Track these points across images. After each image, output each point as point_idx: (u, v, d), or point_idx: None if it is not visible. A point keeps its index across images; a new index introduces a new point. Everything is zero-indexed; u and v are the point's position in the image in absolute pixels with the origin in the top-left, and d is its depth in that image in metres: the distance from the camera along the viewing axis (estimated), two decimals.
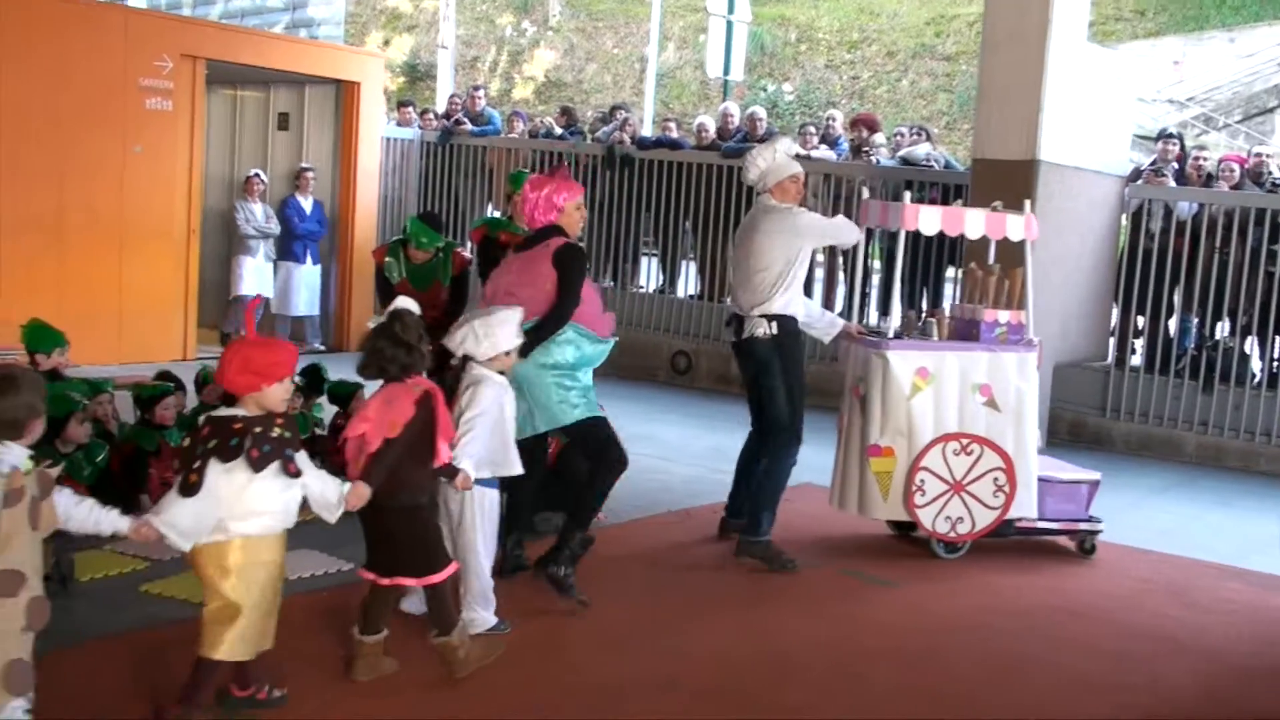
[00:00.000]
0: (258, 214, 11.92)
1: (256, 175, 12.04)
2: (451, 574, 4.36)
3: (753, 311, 6.12)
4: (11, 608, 3.15)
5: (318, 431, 7.07)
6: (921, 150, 11.22)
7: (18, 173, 9.77)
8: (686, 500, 7.05)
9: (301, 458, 3.79)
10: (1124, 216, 10.26)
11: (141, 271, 10.67)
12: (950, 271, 10.91)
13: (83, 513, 3.42)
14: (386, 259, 7.11)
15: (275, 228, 12.02)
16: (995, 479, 6.29)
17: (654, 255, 12.87)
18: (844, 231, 6.38)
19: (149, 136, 10.66)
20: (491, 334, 4.63)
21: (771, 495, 6.18)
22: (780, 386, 6.16)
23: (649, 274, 13.02)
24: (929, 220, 6.41)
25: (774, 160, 6.24)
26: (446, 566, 4.32)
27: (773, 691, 4.54)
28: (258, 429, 3.67)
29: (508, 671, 4.40)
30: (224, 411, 3.75)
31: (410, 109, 14.66)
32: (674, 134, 12.83)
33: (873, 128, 11.93)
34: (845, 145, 11.95)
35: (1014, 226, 6.48)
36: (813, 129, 12.09)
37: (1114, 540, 6.76)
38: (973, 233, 6.45)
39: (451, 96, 15.48)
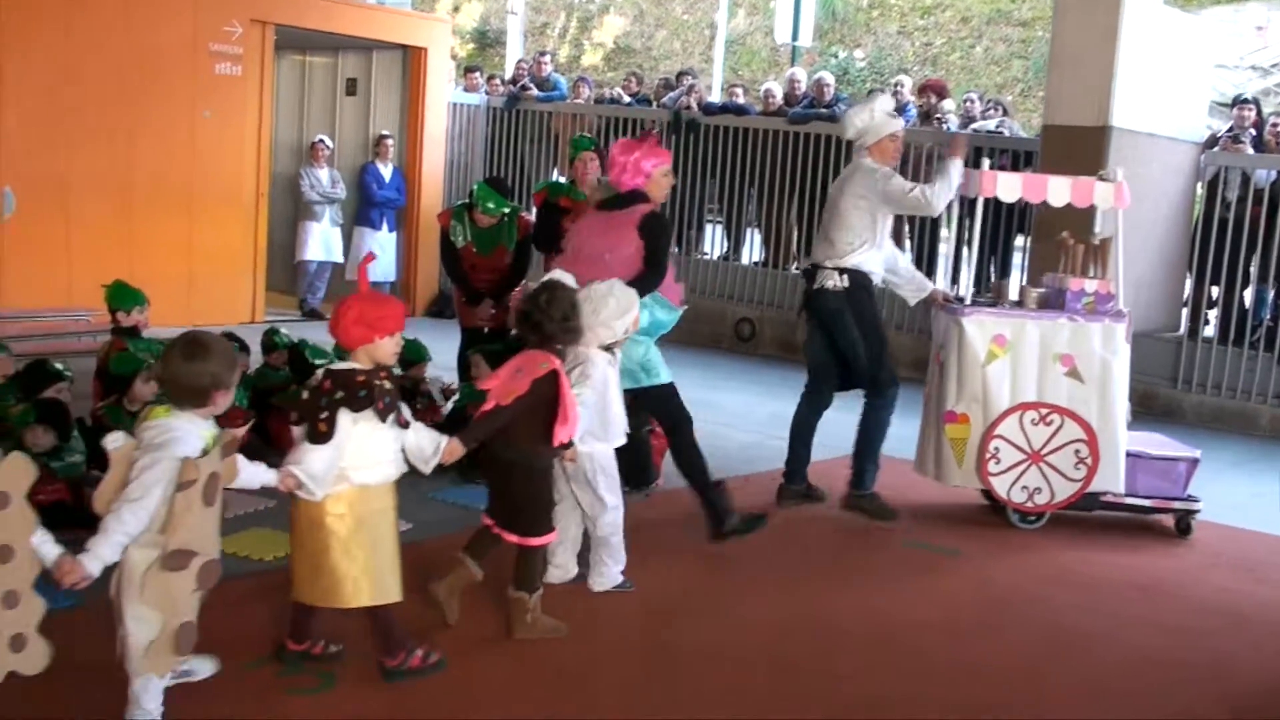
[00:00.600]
0: (323, 179, 12.01)
1: (321, 141, 12.13)
2: (547, 543, 4.49)
3: (826, 263, 6.18)
4: (180, 580, 3.28)
5: None
6: (991, 124, 11.06)
7: (90, 137, 9.92)
8: (744, 467, 7.02)
9: (406, 410, 3.90)
10: (1199, 184, 10.04)
11: (211, 235, 10.81)
12: (1019, 240, 10.74)
13: (247, 471, 3.55)
14: (452, 223, 7.15)
15: (341, 193, 12.11)
16: (1077, 451, 6.17)
17: (719, 222, 12.81)
18: (931, 204, 6.17)
19: (218, 101, 10.77)
20: (609, 323, 4.72)
21: (871, 448, 6.24)
22: (857, 340, 6.18)
23: (713, 241, 12.96)
24: (1008, 187, 6.29)
25: (872, 119, 6.18)
26: (545, 534, 4.45)
27: (820, 660, 4.51)
28: (376, 381, 3.79)
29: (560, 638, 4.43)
30: (341, 365, 3.87)
31: (477, 74, 14.67)
32: (740, 100, 12.73)
33: (941, 94, 11.76)
34: (913, 111, 11.78)
35: (1103, 194, 6.31)
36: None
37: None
38: (1056, 200, 6.31)
39: (518, 62, 15.48)
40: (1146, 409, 9.63)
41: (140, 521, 3.21)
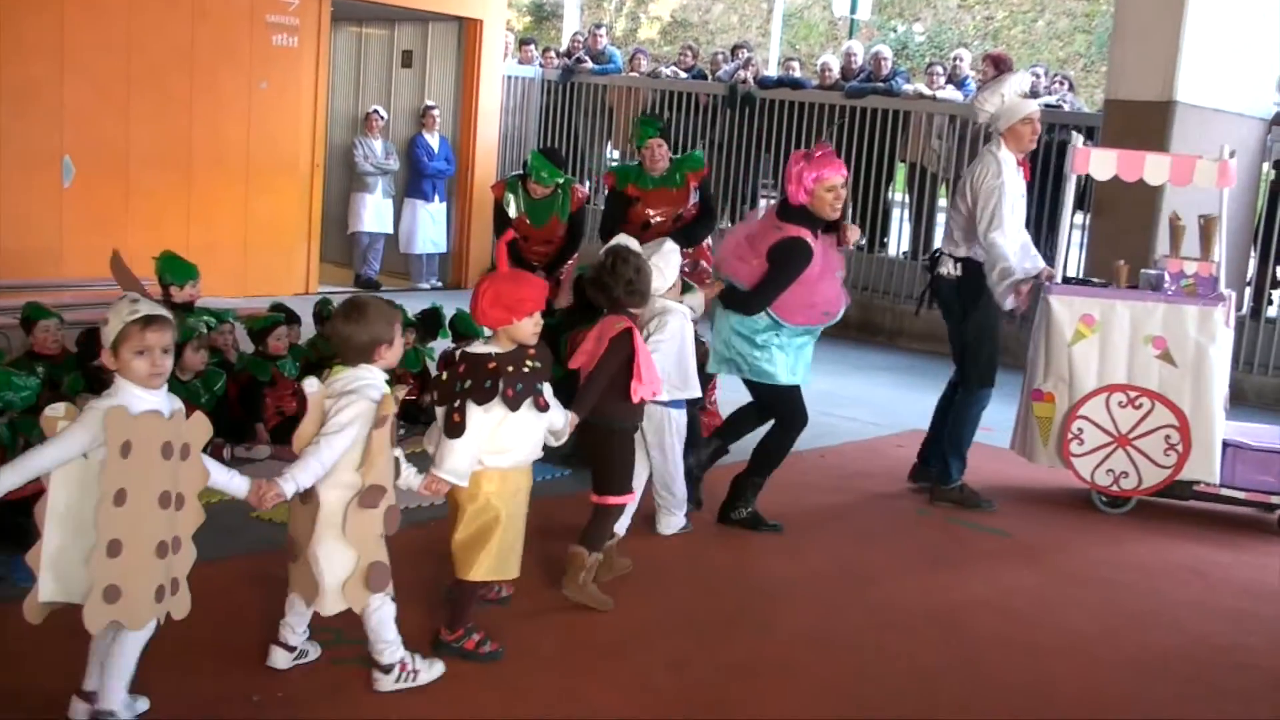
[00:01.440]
0: (377, 150, 12.05)
1: (376, 112, 12.15)
2: (622, 503, 4.60)
3: (945, 251, 6.18)
4: (373, 517, 3.52)
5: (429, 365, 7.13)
6: (1054, 99, 10.89)
7: (149, 107, 10.00)
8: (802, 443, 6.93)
9: (548, 390, 3.94)
10: (1265, 163, 9.82)
11: (266, 206, 10.88)
12: (1078, 218, 10.56)
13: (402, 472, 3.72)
14: (505, 194, 7.13)
15: (394, 164, 12.15)
16: (1167, 436, 6.02)
17: (773, 197, 12.71)
18: (991, 251, 5.88)
19: (275, 73, 10.82)
20: (663, 270, 4.88)
21: (955, 441, 6.20)
22: (965, 331, 6.14)
23: None
24: (1102, 164, 6.15)
25: (1003, 103, 6.01)
26: (622, 495, 4.56)
27: (868, 635, 4.49)
28: (510, 367, 3.81)
29: (620, 601, 4.44)
30: (478, 348, 3.90)
31: (531, 47, 14.64)
32: (796, 74, 12.62)
33: (1002, 67, 11.54)
34: (972, 85, 11.60)
35: (1205, 173, 6.07)
36: (939, 69, 11.79)
37: None
38: (1154, 178, 6.17)
39: (574, 35, 15.44)
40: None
41: (335, 454, 3.46)
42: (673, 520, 5.31)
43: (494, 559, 3.90)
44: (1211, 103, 8.98)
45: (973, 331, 6.13)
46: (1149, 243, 8.47)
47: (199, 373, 6.00)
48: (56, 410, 3.17)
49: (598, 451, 4.52)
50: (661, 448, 5.11)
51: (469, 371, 3.81)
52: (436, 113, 12.25)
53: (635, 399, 4.42)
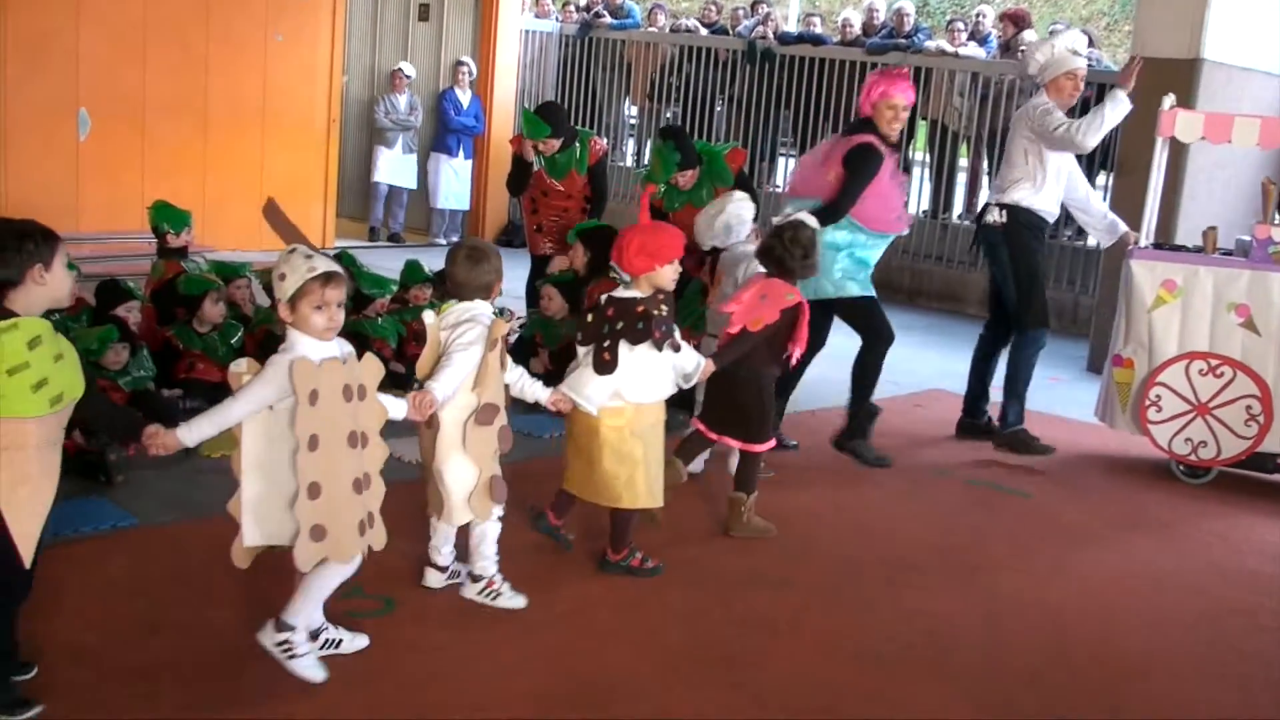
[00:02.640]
0: (400, 105, 11.98)
1: (401, 69, 12.07)
2: (767, 449, 4.90)
3: (991, 198, 6.25)
4: (488, 433, 3.84)
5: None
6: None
7: (165, 59, 9.95)
8: (806, 401, 6.90)
9: (677, 333, 4.28)
10: None
11: (283, 160, 10.83)
12: (1101, 179, 10.45)
13: (529, 387, 4.09)
14: (524, 146, 7.07)
15: (416, 120, 12.08)
16: (1248, 407, 5.92)
17: (792, 155, 12.62)
18: (1078, 140, 5.99)
19: (291, 25, 10.74)
20: (738, 224, 5.34)
21: (1013, 386, 6.27)
22: (1009, 277, 6.19)
23: (786, 173, 12.78)
24: (1188, 126, 6.07)
25: (1052, 55, 6.13)
26: (766, 442, 4.87)
27: (884, 592, 4.48)
28: (656, 310, 4.16)
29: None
30: (623, 293, 4.22)
31: (549, 1, 14.52)
32: (817, 29, 12.49)
33: (1021, 24, 11.43)
34: (994, 43, 11.48)
35: None
36: (961, 25, 11.64)
37: None
38: (1242, 141, 6.11)
39: None
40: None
41: (465, 369, 3.75)
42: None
43: (643, 487, 4.23)
44: (1240, 61, 8.83)
45: (1024, 275, 6.16)
46: (1174, 202, 8.36)
47: (216, 325, 5.99)
48: (240, 366, 3.34)
49: (747, 401, 4.78)
50: None
51: (619, 314, 4.16)
52: (465, 69, 12.14)
53: (793, 362, 4.86)
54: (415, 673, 3.56)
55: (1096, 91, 10.25)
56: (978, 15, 12.16)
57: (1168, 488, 6.08)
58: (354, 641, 3.67)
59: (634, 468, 4.21)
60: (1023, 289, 6.19)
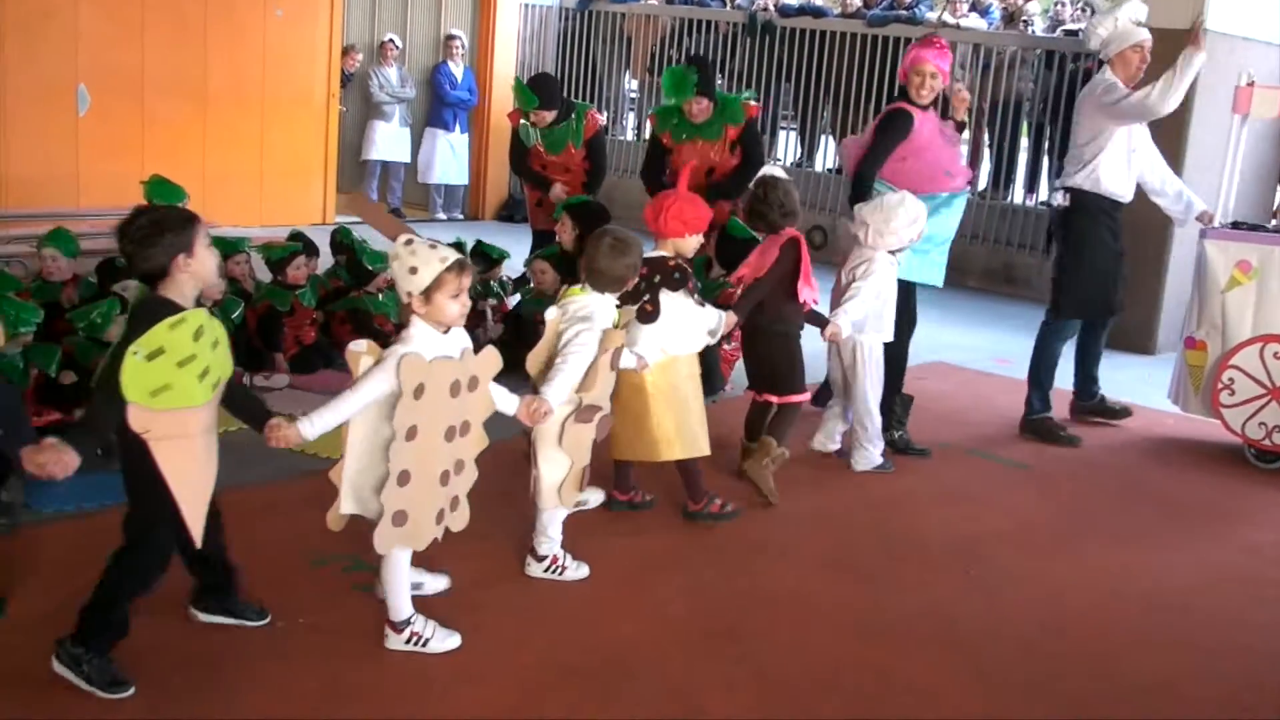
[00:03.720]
0: (392, 79, 11.94)
1: (391, 40, 12.03)
2: (800, 401, 5.11)
3: (1058, 180, 6.20)
4: (586, 430, 3.97)
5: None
6: (1081, 25, 10.69)
7: (164, 34, 9.91)
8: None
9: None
10: None
11: (282, 135, 10.81)
12: None
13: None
14: (521, 122, 7.04)
15: (410, 93, 12.04)
16: None
17: (792, 129, 12.59)
18: (1154, 105, 5.87)
19: (291, 1, 10.70)
20: (898, 231, 5.22)
21: (1035, 373, 6.24)
22: (1066, 259, 6.12)
23: (787, 147, 12.75)
24: (1267, 103, 5.99)
25: (1115, 28, 6.01)
26: (800, 393, 5.08)
27: (885, 565, 4.49)
28: (687, 265, 4.49)
29: (641, 531, 4.43)
30: (654, 253, 4.47)
31: None
32: (818, 2, 12.43)
33: None
34: (996, 14, 11.43)
35: None
36: None
37: None
38: None
39: None
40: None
41: (579, 371, 3.86)
42: (868, 455, 5.45)
43: (687, 437, 4.46)
44: (1242, 31, 8.80)
45: (1071, 260, 6.10)
46: (1177, 171, 8.32)
47: (216, 301, 5.99)
48: (360, 346, 3.39)
49: (774, 355, 5.02)
50: (856, 375, 5.37)
51: (653, 270, 4.39)
52: (458, 42, 12.10)
53: (801, 299, 4.95)
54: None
55: (1098, 63, 10.22)
56: None
57: (1164, 458, 6.09)
58: (578, 571, 4.13)
59: (680, 418, 4.44)
60: (1067, 274, 6.12)
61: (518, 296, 7.19)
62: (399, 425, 3.30)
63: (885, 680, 3.63)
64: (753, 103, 6.53)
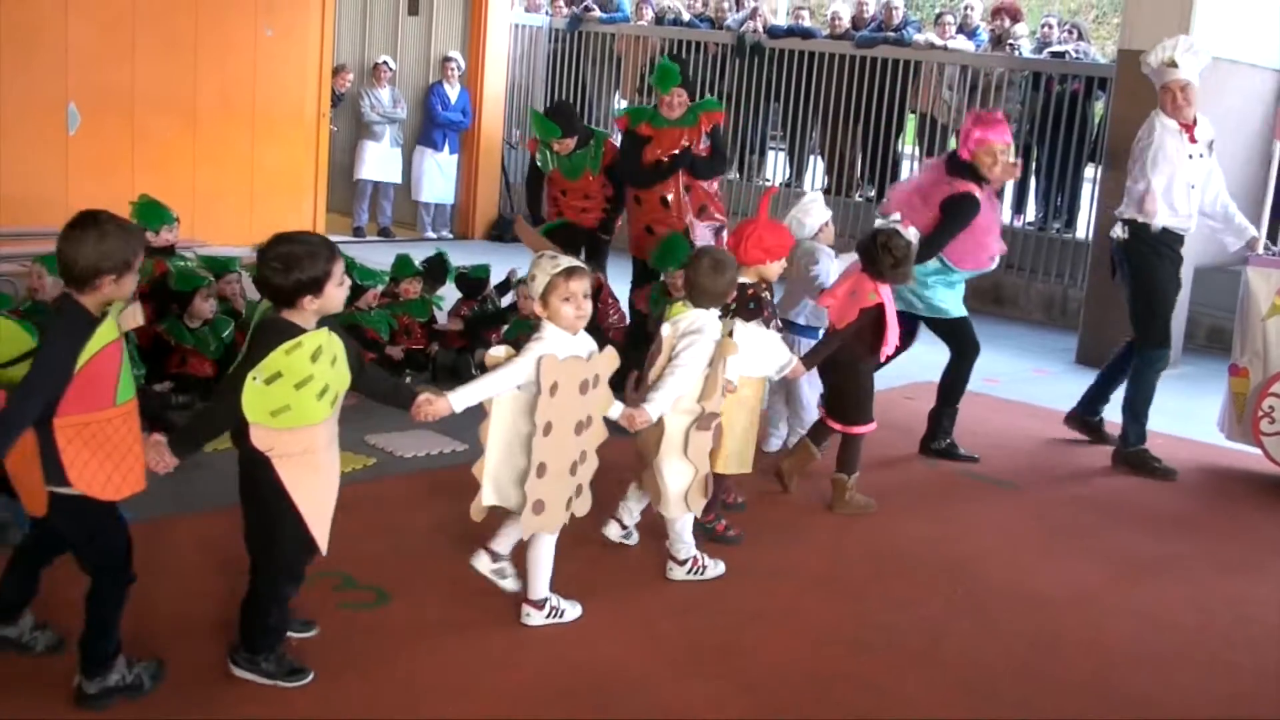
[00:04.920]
0: (384, 99, 11.97)
1: (385, 63, 12.06)
2: (864, 433, 5.21)
3: (1116, 211, 6.22)
4: (707, 438, 4.19)
5: (436, 316, 7.12)
6: (1069, 47, 10.76)
7: (155, 52, 9.90)
8: None
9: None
10: None
11: (272, 154, 10.80)
12: (1089, 171, 10.49)
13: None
14: (539, 148, 7.07)
15: (402, 114, 12.07)
16: None
17: (781, 149, 12.64)
18: (1145, 203, 5.98)
19: (281, 20, 10.71)
20: (803, 222, 5.66)
21: (1131, 406, 6.23)
22: (1136, 291, 6.13)
23: (776, 167, 12.80)
24: None
25: (1158, 62, 6.08)
26: (864, 425, 5.19)
27: (876, 584, 4.51)
28: (764, 294, 4.70)
29: (632, 549, 4.43)
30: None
31: None
32: (806, 23, 12.50)
33: (1015, 17, 11.46)
34: (983, 36, 11.51)
35: None
36: (950, 18, 11.67)
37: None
38: None
39: None
40: (1214, 342, 9.44)
41: (687, 383, 4.09)
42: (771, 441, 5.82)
43: (736, 455, 4.53)
44: (1226, 54, 8.85)
45: (1142, 292, 6.10)
46: None
47: (207, 320, 5.99)
48: (498, 351, 3.72)
49: (845, 385, 5.16)
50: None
51: (735, 298, 4.55)
52: (453, 64, 12.12)
53: (883, 358, 5.22)
54: (408, 664, 3.58)
55: (1085, 85, 10.31)
56: (966, 8, 12.18)
57: (1149, 480, 6.10)
58: (716, 569, 4.38)
59: (734, 436, 4.51)
60: (1141, 306, 6.12)
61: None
62: (539, 421, 3.60)
63: (876, 698, 3.64)
64: (717, 112, 6.95)
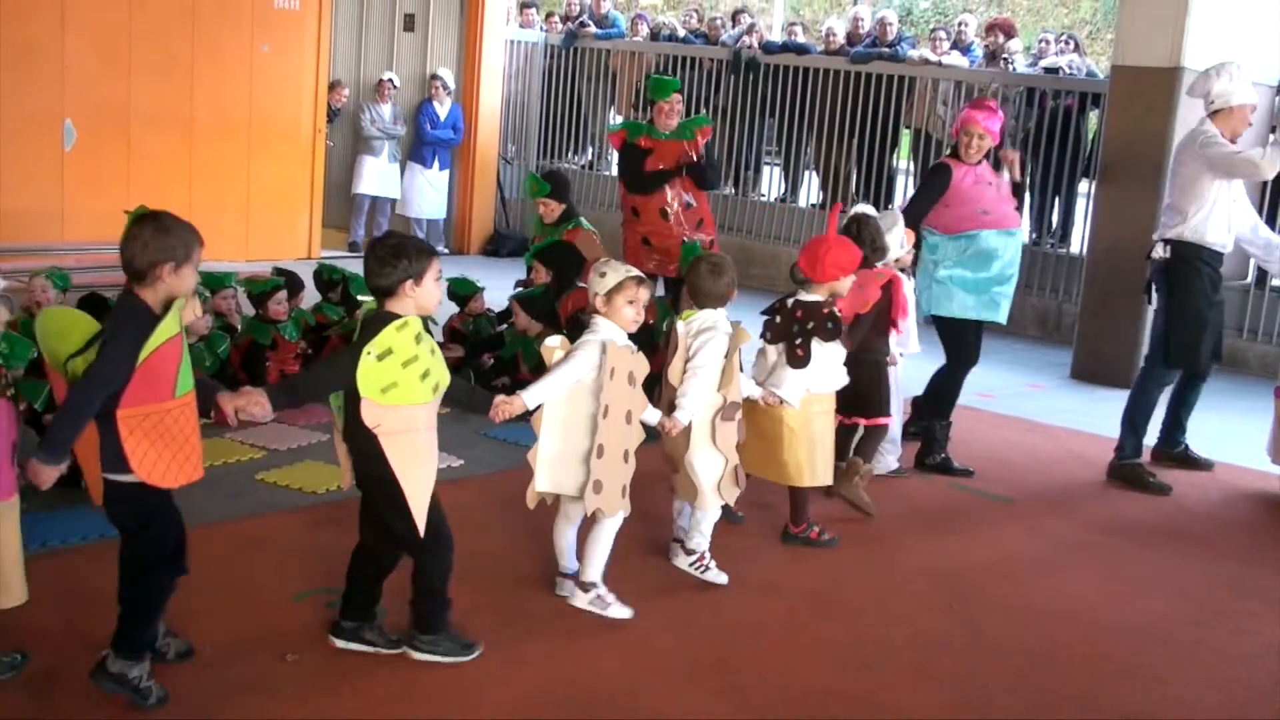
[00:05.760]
0: (385, 115, 11.99)
1: (390, 80, 12.08)
2: (886, 424, 5.45)
3: (1156, 233, 6.21)
4: (731, 427, 4.34)
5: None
6: (1063, 61, 10.79)
7: (151, 69, 9.95)
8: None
9: None
10: (1273, 129, 9.75)
11: (268, 170, 10.83)
12: (1083, 186, 10.52)
13: (744, 384, 4.50)
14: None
15: (401, 130, 12.08)
16: None
17: (776, 164, 12.66)
18: (1260, 167, 5.96)
19: (277, 36, 10.75)
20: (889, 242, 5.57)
21: (1129, 417, 6.24)
22: (1171, 311, 6.11)
23: (771, 183, 12.82)
24: None
25: (1231, 82, 6.01)
26: (884, 416, 5.41)
27: (871, 598, 4.51)
28: (837, 313, 4.76)
29: (626, 563, 4.44)
30: (808, 297, 4.75)
31: (533, 11, 14.53)
32: (801, 39, 12.53)
33: (1009, 33, 11.49)
34: (978, 51, 11.54)
35: None
36: (943, 34, 11.70)
37: (1247, 465, 6.53)
38: None
39: None
40: (1215, 360, 9.44)
41: (707, 384, 4.26)
42: (887, 461, 5.83)
43: (820, 468, 4.76)
44: None
45: (1175, 310, 6.09)
46: (1155, 206, 8.41)
47: (203, 336, 5.99)
48: (554, 342, 3.99)
49: (864, 380, 5.18)
50: None
51: (808, 315, 4.69)
52: (440, 82, 12.12)
53: (899, 334, 5.40)
54: (402, 678, 3.57)
55: (1078, 100, 10.34)
56: (960, 24, 12.20)
57: (1148, 492, 6.11)
58: (719, 576, 4.43)
59: (812, 450, 4.71)
60: (1170, 323, 6.11)
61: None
62: (602, 402, 3.86)
63: (872, 712, 3.64)
64: (706, 126, 7.32)
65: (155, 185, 9.77)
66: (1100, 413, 7.39)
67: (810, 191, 12.33)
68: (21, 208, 9.19)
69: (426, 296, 3.52)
